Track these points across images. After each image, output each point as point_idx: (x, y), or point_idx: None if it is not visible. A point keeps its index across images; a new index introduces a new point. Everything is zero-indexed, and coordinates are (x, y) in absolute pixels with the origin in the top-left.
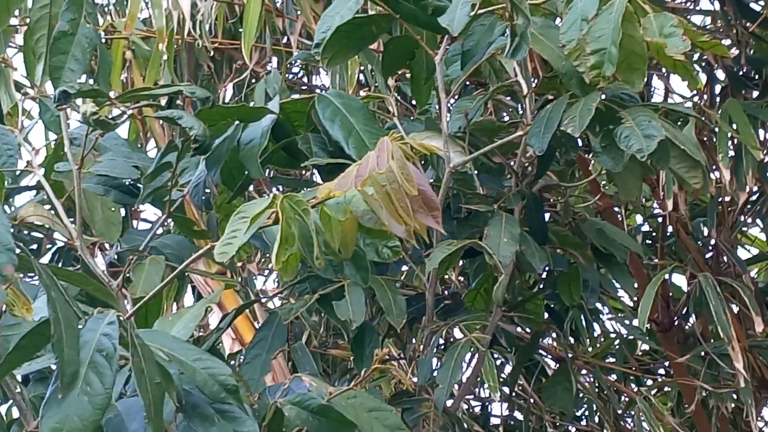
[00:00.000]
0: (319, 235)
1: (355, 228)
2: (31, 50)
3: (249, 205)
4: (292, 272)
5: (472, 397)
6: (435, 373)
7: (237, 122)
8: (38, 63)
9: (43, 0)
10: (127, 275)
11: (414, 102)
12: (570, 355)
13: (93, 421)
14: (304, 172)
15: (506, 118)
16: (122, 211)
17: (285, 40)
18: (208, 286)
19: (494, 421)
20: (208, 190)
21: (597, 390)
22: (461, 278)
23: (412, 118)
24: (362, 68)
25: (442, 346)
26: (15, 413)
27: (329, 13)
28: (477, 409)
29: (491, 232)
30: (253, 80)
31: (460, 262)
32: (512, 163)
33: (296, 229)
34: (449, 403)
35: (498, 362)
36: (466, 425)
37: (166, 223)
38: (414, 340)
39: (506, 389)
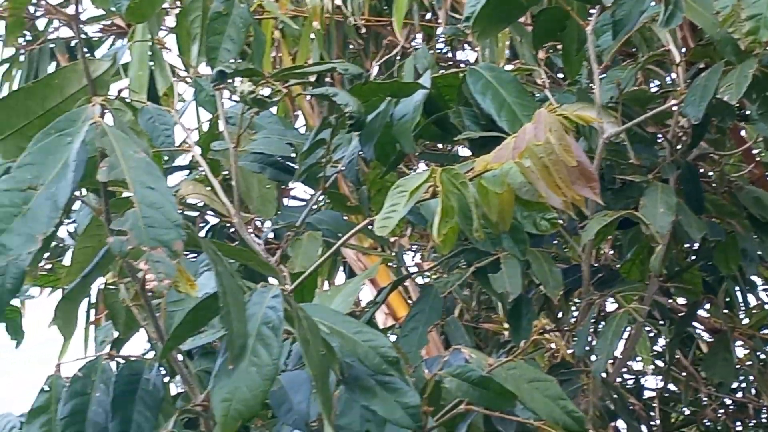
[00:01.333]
0: (478, 207)
1: (513, 200)
2: (185, 31)
3: (407, 179)
4: (451, 245)
5: (625, 370)
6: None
7: (389, 98)
8: (193, 44)
9: None
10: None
11: (560, 74)
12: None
13: (262, 392)
14: (450, 146)
15: (653, 88)
16: None
17: (428, 15)
18: (359, 262)
19: (647, 394)
20: (357, 166)
21: (758, 361)
22: (611, 251)
23: (564, 90)
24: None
25: (593, 319)
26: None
27: None
28: (630, 382)
29: (647, 202)
30: (398, 56)
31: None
32: (666, 132)
33: (455, 203)
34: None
35: (650, 335)
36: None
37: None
38: (565, 313)
39: (659, 362)
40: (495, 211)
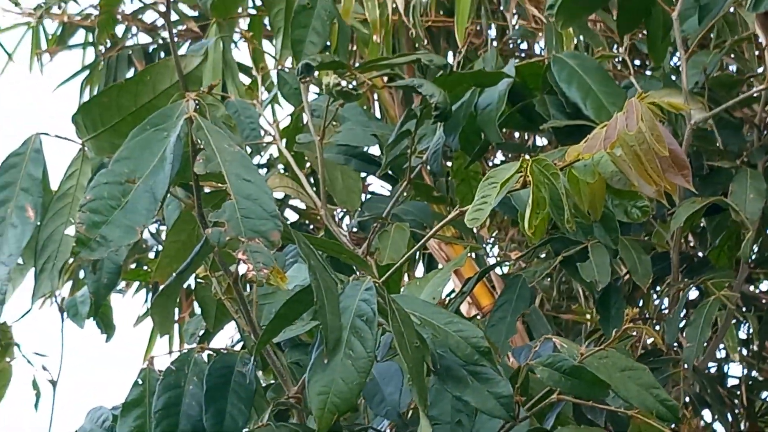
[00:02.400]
0: (569, 198)
1: (604, 190)
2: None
3: (497, 170)
4: (541, 235)
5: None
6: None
7: (474, 87)
8: (277, 37)
9: None
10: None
11: (635, 60)
12: None
13: (357, 384)
14: (526, 136)
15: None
16: None
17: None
18: (441, 251)
19: (730, 381)
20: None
21: None
22: (694, 238)
23: (649, 76)
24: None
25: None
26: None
27: None
28: (712, 370)
29: (736, 188)
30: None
31: None
32: (753, 117)
33: (546, 193)
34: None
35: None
36: None
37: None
38: (646, 301)
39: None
40: (586, 201)
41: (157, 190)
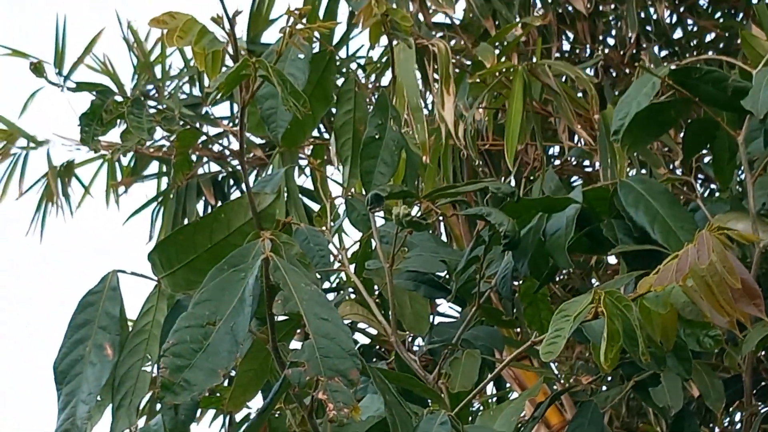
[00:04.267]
0: (642, 329)
1: (676, 320)
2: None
3: (570, 303)
4: (614, 365)
5: None
6: None
7: (541, 213)
8: (345, 166)
9: (346, 106)
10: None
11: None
12: None
13: None
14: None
15: None
16: None
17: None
18: (510, 371)
19: None
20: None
21: None
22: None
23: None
24: None
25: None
26: None
27: (625, 100)
28: None
29: None
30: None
31: None
32: None
33: (620, 325)
34: None
35: None
36: None
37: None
38: (717, 423)
39: None
40: (658, 331)
41: (238, 331)
